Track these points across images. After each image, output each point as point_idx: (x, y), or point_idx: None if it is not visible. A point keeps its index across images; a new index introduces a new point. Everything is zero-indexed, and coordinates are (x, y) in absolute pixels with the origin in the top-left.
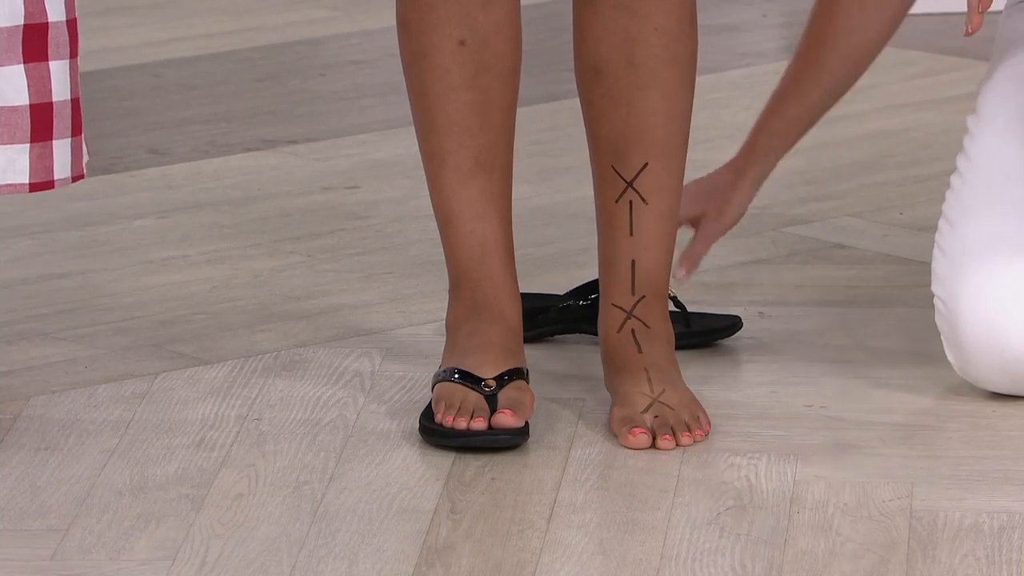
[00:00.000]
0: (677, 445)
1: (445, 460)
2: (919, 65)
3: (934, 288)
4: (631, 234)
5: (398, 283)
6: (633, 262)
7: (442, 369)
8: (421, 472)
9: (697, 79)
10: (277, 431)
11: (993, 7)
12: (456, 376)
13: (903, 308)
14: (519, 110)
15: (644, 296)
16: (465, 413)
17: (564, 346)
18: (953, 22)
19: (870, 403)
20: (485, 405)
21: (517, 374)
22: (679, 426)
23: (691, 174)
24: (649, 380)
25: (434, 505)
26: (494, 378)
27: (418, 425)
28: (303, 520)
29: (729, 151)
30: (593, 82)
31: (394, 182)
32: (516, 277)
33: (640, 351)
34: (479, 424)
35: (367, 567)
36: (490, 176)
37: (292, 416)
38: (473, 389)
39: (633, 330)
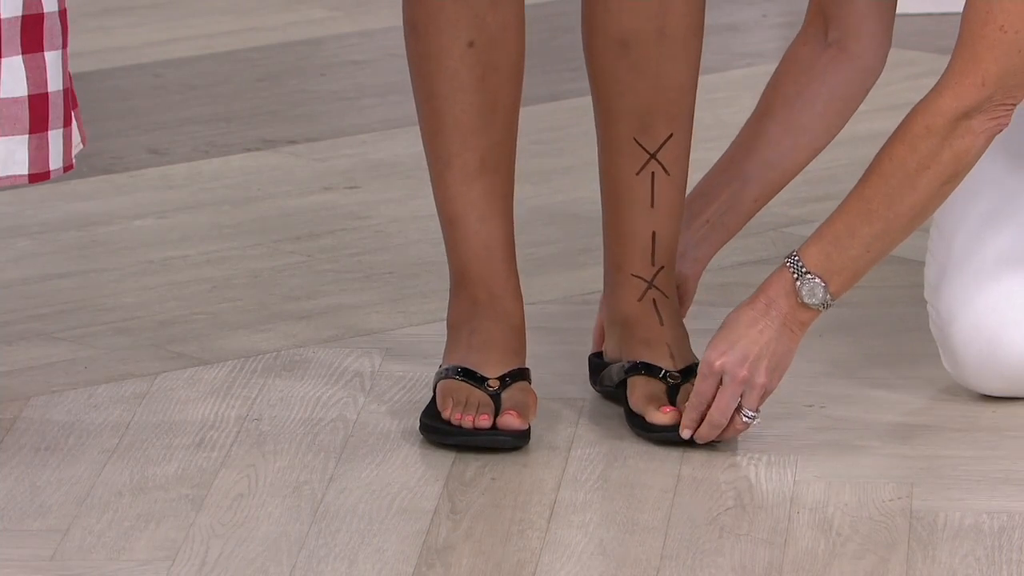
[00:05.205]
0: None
1: (445, 460)
2: (919, 65)
3: (927, 295)
4: (652, 205)
5: (398, 283)
6: (654, 233)
7: (444, 367)
8: (421, 472)
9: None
10: (277, 431)
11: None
12: (460, 374)
13: (903, 308)
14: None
15: (663, 266)
16: (471, 409)
17: (564, 346)
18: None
19: (870, 403)
20: (490, 401)
21: (520, 375)
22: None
23: (691, 175)
24: (672, 356)
25: (434, 505)
26: (497, 378)
27: (419, 424)
28: (303, 520)
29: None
30: (619, 55)
31: (394, 182)
32: (518, 276)
33: (662, 323)
34: (484, 421)
35: (367, 567)
36: (495, 177)
37: (292, 416)
38: (476, 387)
39: (654, 300)
